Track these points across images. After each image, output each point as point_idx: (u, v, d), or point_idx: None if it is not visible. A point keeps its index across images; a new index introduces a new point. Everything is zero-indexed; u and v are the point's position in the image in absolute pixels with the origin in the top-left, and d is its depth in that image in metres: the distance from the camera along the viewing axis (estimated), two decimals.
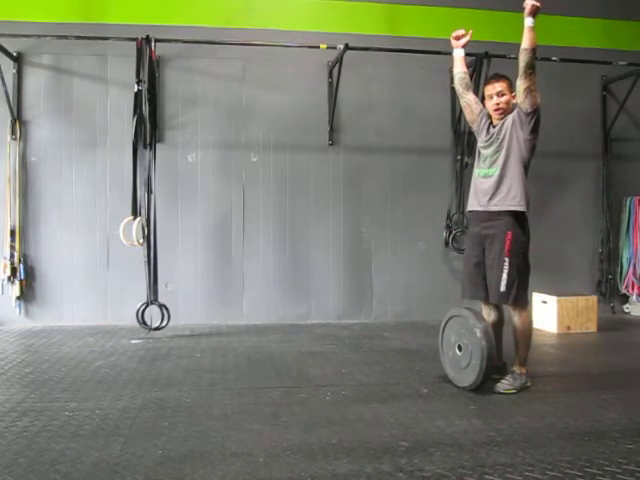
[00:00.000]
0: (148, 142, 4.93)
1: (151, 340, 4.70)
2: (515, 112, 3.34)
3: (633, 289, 6.13)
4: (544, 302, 5.31)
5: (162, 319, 4.85)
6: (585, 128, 6.20)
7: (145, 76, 4.91)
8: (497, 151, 3.38)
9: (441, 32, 5.87)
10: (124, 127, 5.26)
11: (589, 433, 2.61)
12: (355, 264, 5.83)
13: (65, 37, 5.13)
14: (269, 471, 2.21)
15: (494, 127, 3.44)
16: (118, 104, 5.39)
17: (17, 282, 5.26)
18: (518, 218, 3.31)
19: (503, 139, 3.35)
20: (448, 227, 5.88)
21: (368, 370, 3.58)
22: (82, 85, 5.46)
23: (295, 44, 5.38)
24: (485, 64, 5.42)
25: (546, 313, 5.27)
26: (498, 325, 3.54)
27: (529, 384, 3.37)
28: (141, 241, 4.78)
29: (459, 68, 3.65)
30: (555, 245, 6.12)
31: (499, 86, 3.42)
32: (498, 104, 3.40)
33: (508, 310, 3.42)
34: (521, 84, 3.27)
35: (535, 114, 3.29)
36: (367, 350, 4.43)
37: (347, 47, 5.08)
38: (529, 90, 3.25)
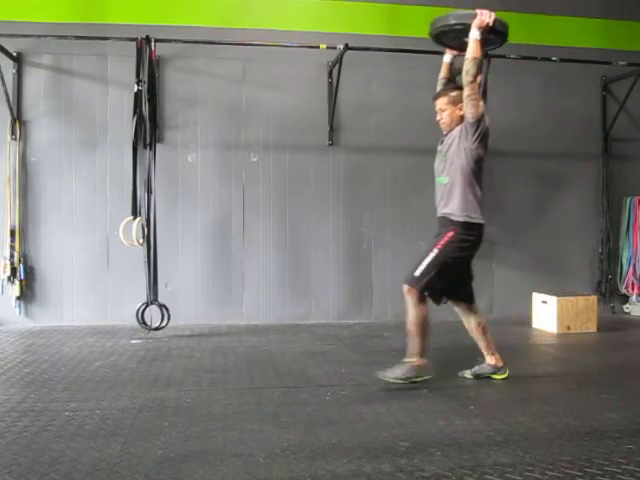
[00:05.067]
0: (148, 142, 4.93)
1: (151, 340, 4.70)
2: (463, 123, 3.38)
3: (633, 289, 6.13)
4: (544, 302, 5.31)
5: (162, 319, 4.85)
6: (585, 128, 6.20)
7: (145, 76, 4.90)
8: (444, 161, 3.45)
9: None
10: (124, 127, 5.26)
11: (589, 433, 2.61)
12: (355, 264, 5.83)
13: (65, 37, 5.13)
14: (269, 471, 2.21)
15: (445, 137, 3.51)
16: (118, 104, 5.39)
17: (17, 282, 5.26)
18: (466, 228, 3.34)
19: (449, 150, 3.42)
20: None
21: (368, 370, 3.58)
22: (82, 85, 5.46)
23: (295, 44, 5.38)
24: (485, 64, 5.40)
25: (546, 313, 5.27)
26: (479, 324, 3.58)
27: (422, 378, 3.31)
28: (141, 241, 4.78)
29: (441, 74, 3.71)
30: (555, 245, 6.12)
31: (437, 103, 3.51)
32: (440, 120, 3.51)
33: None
34: (464, 93, 3.30)
35: (478, 124, 3.30)
36: (367, 350, 4.43)
37: (347, 47, 5.08)
38: (469, 99, 3.27)
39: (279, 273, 5.70)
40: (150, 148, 4.91)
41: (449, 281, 3.41)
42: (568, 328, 5.14)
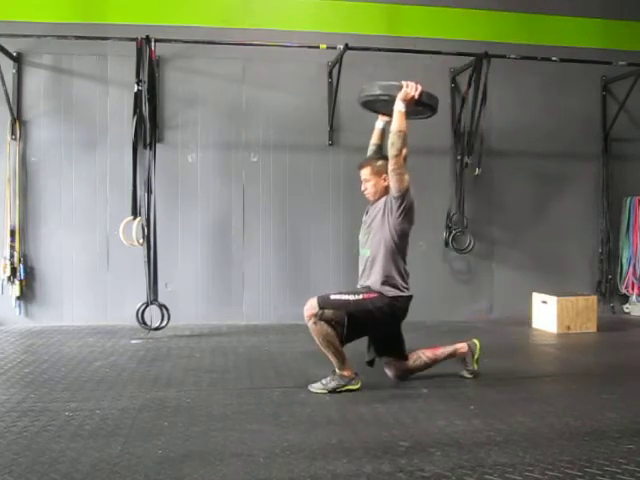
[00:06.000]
0: (148, 142, 4.93)
1: (151, 340, 4.70)
2: (388, 194, 3.30)
3: (633, 289, 6.13)
4: (544, 302, 5.31)
5: (162, 319, 4.85)
6: (585, 128, 6.20)
7: (145, 76, 4.90)
8: (367, 233, 3.37)
9: (441, 32, 5.91)
10: (124, 127, 5.26)
11: (589, 433, 2.61)
12: (355, 264, 5.79)
13: (65, 37, 5.14)
14: (269, 471, 2.21)
15: (371, 207, 3.42)
16: (118, 104, 5.39)
17: (17, 282, 5.26)
18: (389, 299, 3.25)
19: (372, 222, 3.34)
20: (448, 227, 5.88)
21: (368, 370, 3.58)
22: (82, 85, 5.46)
23: (295, 44, 5.38)
24: (485, 64, 5.41)
25: (546, 313, 5.27)
26: (423, 353, 3.50)
27: (355, 386, 3.27)
28: (141, 241, 4.78)
29: (372, 139, 3.62)
30: (555, 245, 6.12)
31: (362, 174, 3.41)
32: (364, 190, 3.41)
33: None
34: (389, 166, 3.23)
35: (403, 199, 3.21)
36: (367, 350, 4.42)
37: (347, 47, 5.08)
38: (394, 173, 3.19)
39: (279, 273, 5.70)
40: (150, 148, 4.91)
41: (356, 333, 3.28)
42: (568, 328, 5.14)
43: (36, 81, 5.41)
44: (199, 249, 5.59)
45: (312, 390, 3.25)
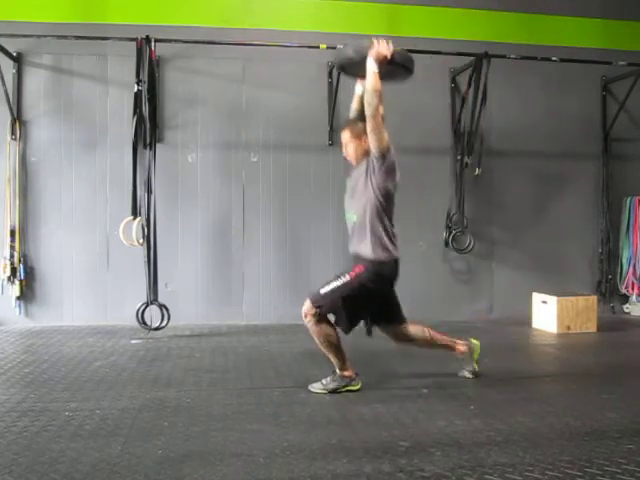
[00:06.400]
0: (148, 142, 4.93)
1: (151, 340, 4.69)
2: (369, 156, 3.26)
3: (633, 289, 6.13)
4: (544, 302, 5.31)
5: (162, 319, 4.85)
6: (585, 128, 6.20)
7: (145, 76, 4.90)
8: (352, 196, 3.34)
9: (441, 32, 5.91)
10: (124, 127, 5.26)
11: (589, 433, 2.61)
12: None
13: (65, 37, 5.13)
14: (269, 471, 2.21)
15: (354, 171, 3.39)
16: (118, 104, 5.39)
17: (17, 282, 5.26)
18: (378, 265, 3.22)
19: (356, 185, 3.31)
20: (448, 227, 5.88)
21: (368, 370, 3.58)
22: (82, 85, 5.46)
23: (295, 44, 5.38)
24: (485, 64, 5.41)
25: (546, 313, 5.27)
26: (424, 330, 3.50)
27: (356, 387, 3.28)
28: (141, 241, 4.79)
29: (353, 105, 3.54)
30: (555, 245, 6.12)
31: (342, 138, 3.39)
32: (345, 154, 3.40)
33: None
34: (367, 126, 3.19)
35: (384, 158, 3.18)
36: (367, 350, 4.43)
37: None
38: (373, 133, 3.15)
39: (279, 273, 5.70)
40: (150, 148, 4.91)
41: (359, 311, 3.28)
42: (568, 328, 5.14)
43: (36, 81, 5.40)
44: (199, 249, 5.59)
45: (312, 390, 3.25)
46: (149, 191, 4.87)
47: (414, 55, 5.52)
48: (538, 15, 6.13)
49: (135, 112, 4.88)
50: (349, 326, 3.26)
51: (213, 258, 5.61)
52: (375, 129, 3.15)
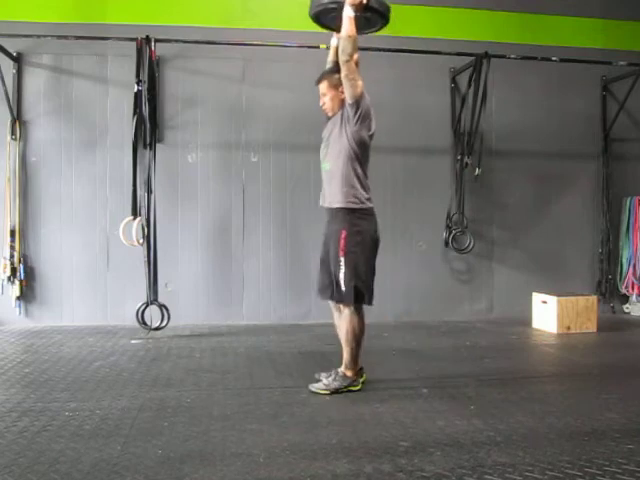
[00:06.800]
0: (148, 142, 4.93)
1: (151, 340, 4.69)
2: (345, 105, 3.24)
3: (633, 289, 6.13)
4: (544, 302, 5.31)
5: (162, 319, 4.85)
6: (585, 128, 6.20)
7: (145, 76, 4.90)
8: (327, 146, 3.34)
9: (441, 32, 5.91)
10: (124, 127, 5.26)
11: (589, 433, 2.61)
12: None
13: (65, 37, 5.13)
14: (269, 471, 2.21)
15: (329, 122, 3.39)
16: (118, 104, 5.39)
17: (17, 282, 5.26)
18: (353, 215, 3.19)
19: (331, 134, 3.31)
20: (448, 227, 5.88)
21: (368, 370, 3.58)
22: (82, 85, 5.46)
23: (295, 44, 5.37)
24: (485, 64, 5.41)
25: (546, 313, 5.26)
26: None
27: (357, 387, 3.28)
28: (141, 241, 4.79)
29: (329, 57, 3.54)
30: (555, 245, 6.13)
31: (320, 88, 3.38)
32: (322, 105, 3.39)
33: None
34: (341, 73, 3.18)
35: (358, 105, 3.17)
36: (367, 350, 4.41)
37: None
38: (347, 79, 3.14)
39: (279, 273, 5.70)
40: (150, 148, 4.92)
41: (373, 272, 3.25)
42: (568, 328, 5.14)
43: (36, 81, 5.40)
44: (199, 249, 5.59)
45: (313, 390, 3.25)
46: (149, 191, 4.87)
47: (414, 55, 5.60)
48: (538, 15, 6.13)
49: (135, 112, 4.88)
50: (372, 294, 3.24)
51: (213, 258, 5.61)
52: (349, 75, 3.14)
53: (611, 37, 6.24)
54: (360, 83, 3.18)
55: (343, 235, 3.16)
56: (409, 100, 5.87)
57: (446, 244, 5.90)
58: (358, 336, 3.25)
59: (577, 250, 6.22)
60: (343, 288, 3.17)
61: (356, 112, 3.19)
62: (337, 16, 3.24)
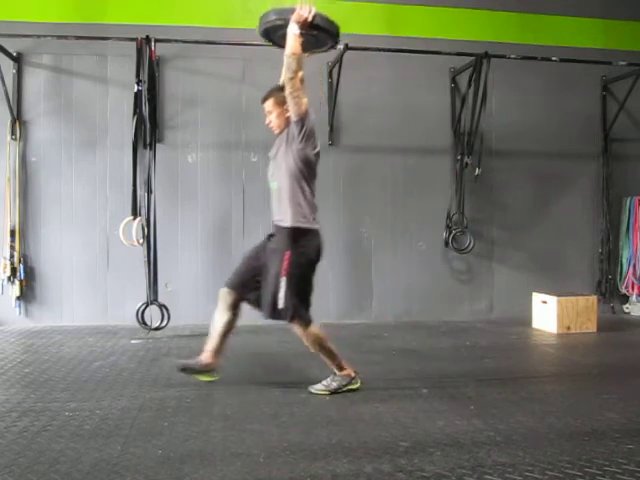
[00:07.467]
0: (148, 142, 4.94)
1: (151, 340, 4.69)
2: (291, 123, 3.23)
3: (633, 289, 6.13)
4: (544, 302, 5.31)
5: (162, 319, 4.86)
6: (585, 128, 6.20)
7: (145, 76, 4.91)
8: (274, 165, 3.37)
9: (441, 32, 5.91)
10: (124, 127, 5.26)
11: (589, 433, 2.61)
12: (355, 264, 5.83)
13: (65, 37, 5.14)
14: (269, 471, 2.21)
15: (277, 140, 3.40)
16: (118, 104, 5.39)
17: (17, 282, 5.26)
18: (300, 235, 3.19)
19: (277, 152, 3.32)
20: (448, 227, 5.88)
21: (368, 370, 3.58)
22: (82, 85, 5.46)
23: None
24: (485, 64, 5.41)
25: (546, 313, 5.26)
26: (229, 326, 3.44)
27: (355, 385, 3.27)
28: (141, 241, 4.79)
29: (282, 75, 3.46)
30: (555, 245, 6.13)
31: (265, 106, 3.38)
32: (269, 123, 3.40)
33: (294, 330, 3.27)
34: (286, 91, 3.18)
35: (303, 123, 3.16)
36: (367, 350, 4.43)
37: (347, 47, 5.07)
38: (291, 97, 3.14)
39: None
40: (150, 148, 4.92)
41: (309, 291, 3.29)
42: (568, 328, 5.14)
43: (36, 81, 5.41)
44: (199, 249, 5.59)
45: (313, 392, 3.25)
46: (149, 191, 4.87)
47: (414, 55, 5.60)
48: (538, 15, 6.14)
49: (135, 112, 4.88)
50: (309, 308, 3.26)
51: (213, 258, 5.60)
52: (293, 93, 3.13)
53: (611, 37, 6.25)
54: (305, 101, 3.17)
55: (287, 256, 3.15)
56: (409, 100, 5.87)
57: (446, 244, 5.90)
58: (323, 342, 3.25)
59: (577, 250, 6.22)
60: (281, 306, 3.15)
61: (301, 130, 3.18)
62: (285, 34, 3.24)
